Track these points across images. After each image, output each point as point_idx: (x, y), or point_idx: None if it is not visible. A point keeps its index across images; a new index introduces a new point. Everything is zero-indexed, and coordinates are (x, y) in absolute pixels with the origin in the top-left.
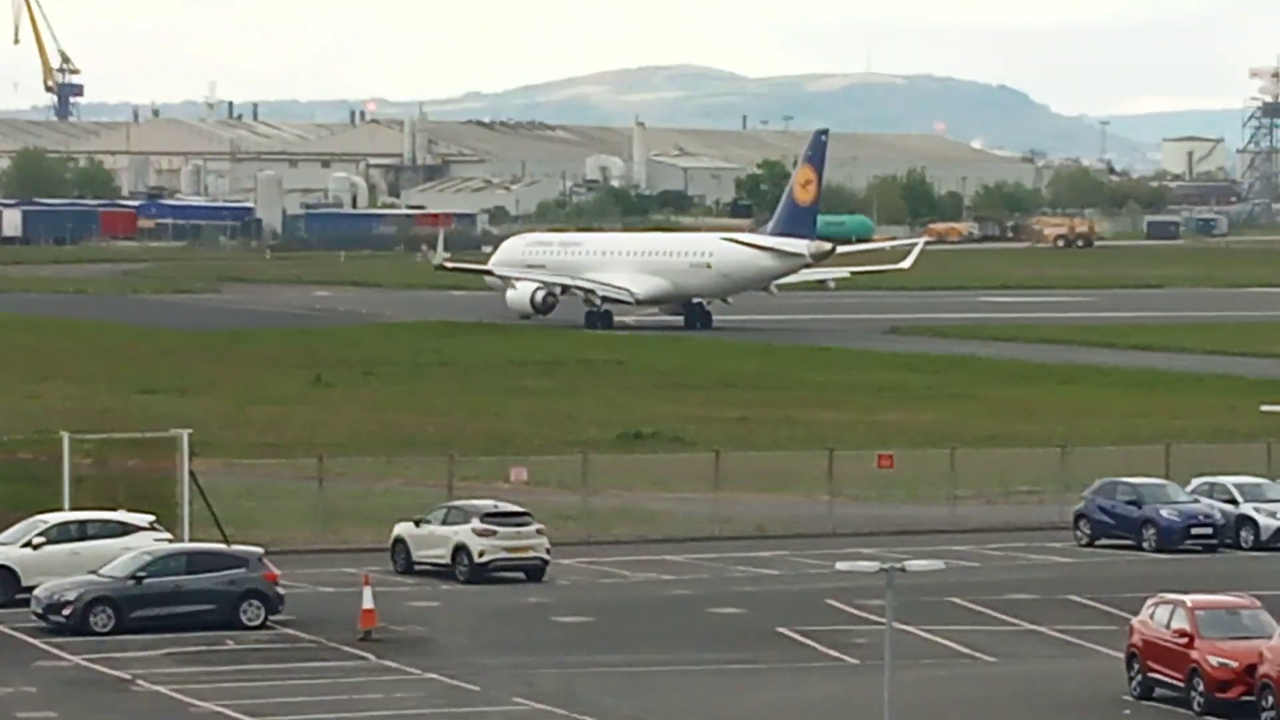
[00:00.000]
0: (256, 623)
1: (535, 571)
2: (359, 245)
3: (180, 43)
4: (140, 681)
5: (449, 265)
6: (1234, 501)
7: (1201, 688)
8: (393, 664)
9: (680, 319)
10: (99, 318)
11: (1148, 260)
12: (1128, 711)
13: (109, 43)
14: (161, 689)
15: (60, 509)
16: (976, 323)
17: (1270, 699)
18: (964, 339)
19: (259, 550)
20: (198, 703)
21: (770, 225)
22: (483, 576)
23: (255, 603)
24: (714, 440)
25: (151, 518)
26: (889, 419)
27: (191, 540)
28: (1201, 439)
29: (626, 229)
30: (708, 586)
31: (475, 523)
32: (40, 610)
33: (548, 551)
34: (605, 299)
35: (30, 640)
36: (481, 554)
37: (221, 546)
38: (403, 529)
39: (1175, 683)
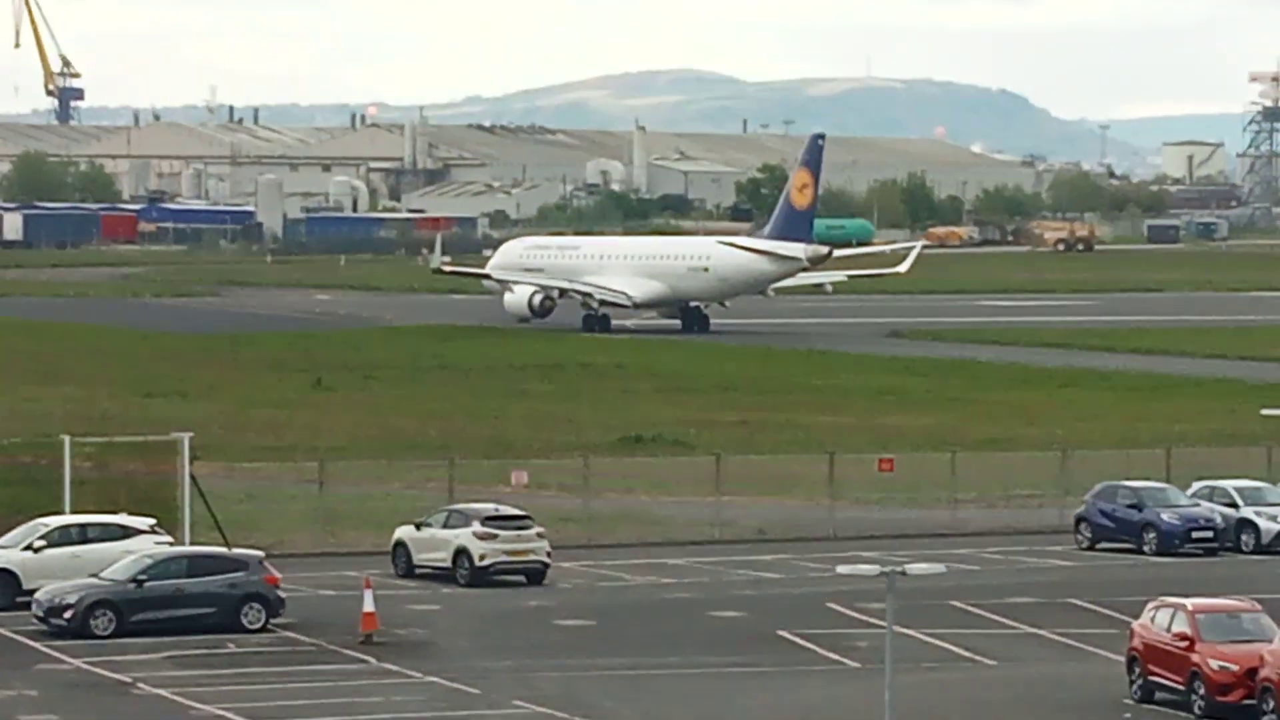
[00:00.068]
0: (257, 626)
1: (536, 575)
2: (359, 249)
3: (181, 47)
4: (141, 685)
5: (447, 269)
6: (1234, 505)
7: (1202, 691)
8: (393, 667)
9: (678, 322)
10: (100, 321)
11: (1148, 264)
12: (1128, 715)
13: (110, 46)
14: (162, 692)
15: (61, 512)
16: (977, 326)
17: (1271, 702)
18: (964, 343)
19: (260, 553)
20: (199, 706)
21: (767, 229)
22: (483, 580)
23: (256, 606)
24: (715, 443)
25: (152, 521)
26: (889, 422)
27: (192, 543)
28: (1202, 443)
29: (627, 233)
30: (708, 590)
31: (476, 526)
32: (41, 613)
33: (548, 555)
34: (602, 302)
35: (31, 643)
36: (482, 557)
37: (222, 550)
38: (403, 532)
39: (1176, 686)
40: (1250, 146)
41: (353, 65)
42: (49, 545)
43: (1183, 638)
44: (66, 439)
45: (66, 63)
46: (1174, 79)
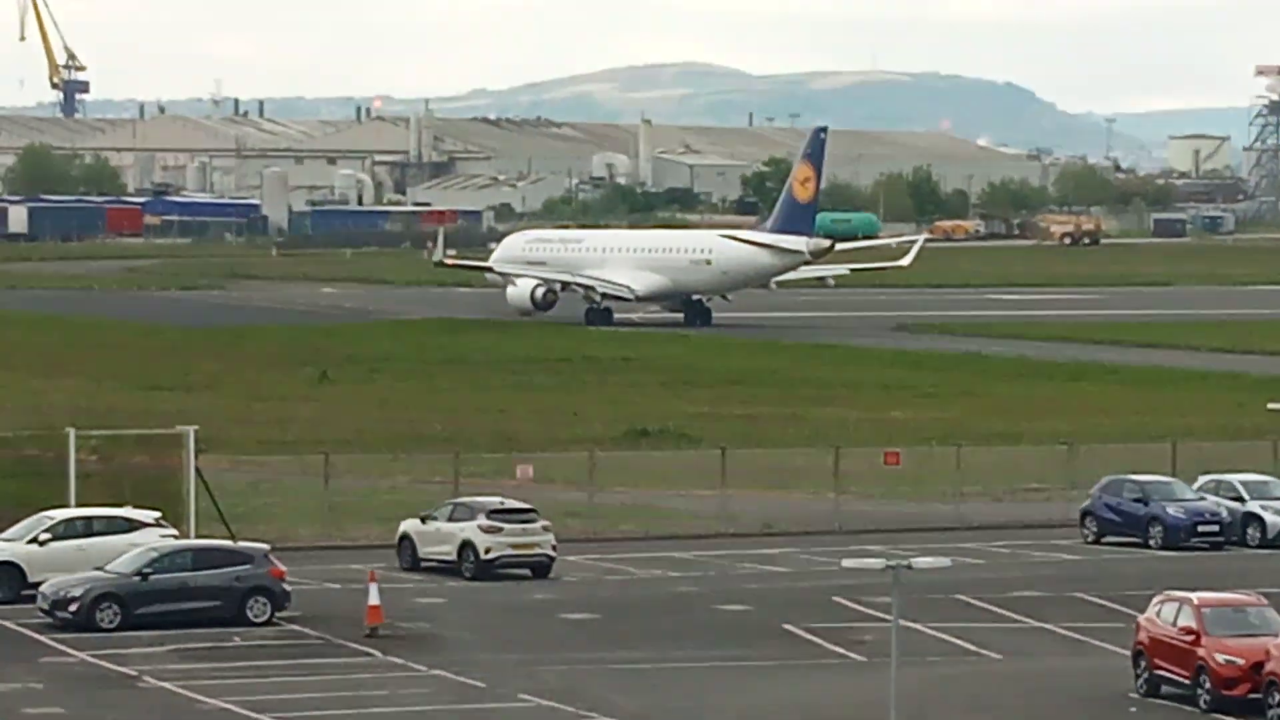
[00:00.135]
0: (263, 619)
1: (541, 568)
2: (365, 242)
3: (186, 39)
4: (146, 678)
5: (449, 262)
6: (1240, 499)
7: (1208, 685)
8: (399, 660)
9: (680, 316)
10: (105, 314)
11: (1154, 258)
12: (1134, 709)
13: (115, 39)
14: (167, 685)
15: (66, 505)
16: (983, 320)
17: (1277, 696)
18: (970, 336)
19: (265, 547)
20: (204, 699)
21: (769, 223)
22: (489, 573)
23: (261, 599)
24: (720, 437)
25: (157, 514)
26: (895, 416)
27: (197, 537)
28: (1208, 436)
29: (632, 226)
30: (714, 584)
31: (481, 519)
32: (46, 606)
33: (554, 548)
34: (605, 296)
35: (36, 636)
36: (488, 551)
37: (227, 543)
38: (409, 525)
39: (1182, 680)
40: (1256, 140)
41: (358, 58)
42: (54, 538)
43: (1189, 631)
44: (71, 432)
45: (71, 55)
46: (1180, 73)
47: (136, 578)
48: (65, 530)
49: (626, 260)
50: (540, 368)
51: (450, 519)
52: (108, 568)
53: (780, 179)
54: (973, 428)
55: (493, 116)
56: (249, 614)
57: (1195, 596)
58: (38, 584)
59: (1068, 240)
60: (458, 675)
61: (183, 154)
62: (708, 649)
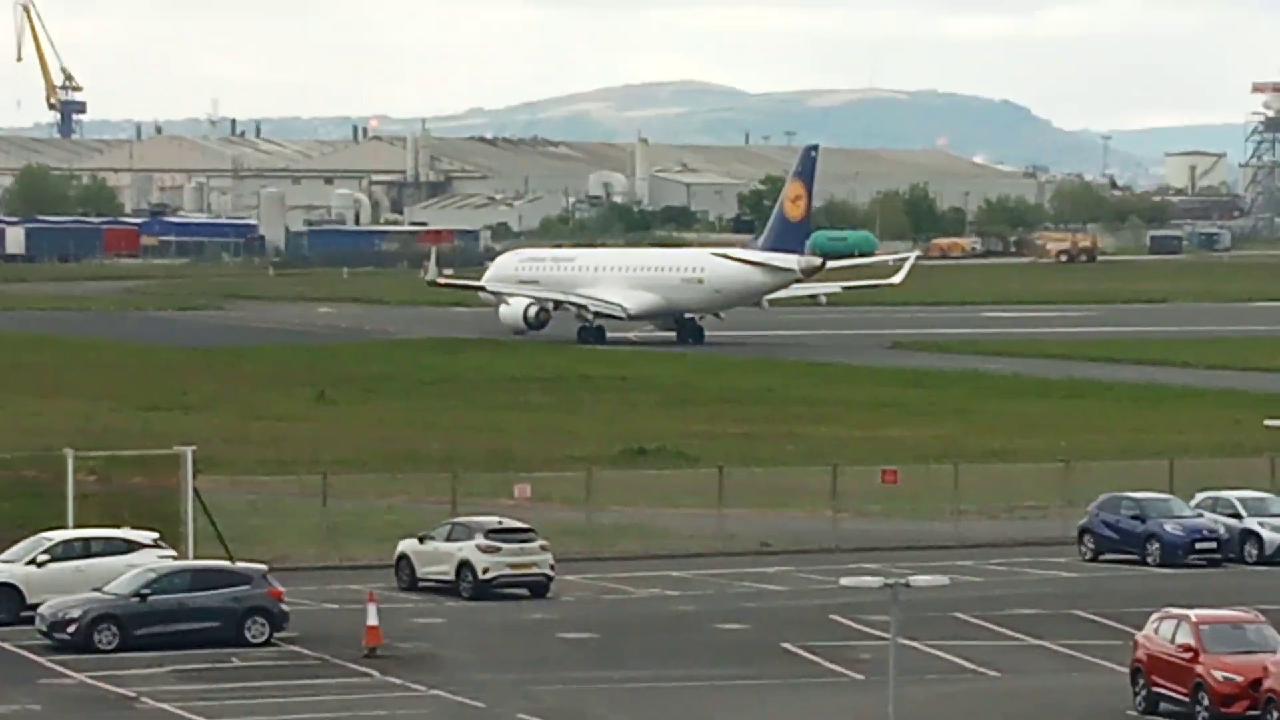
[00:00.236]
0: (261, 640)
1: (539, 588)
2: (362, 262)
3: (183, 60)
4: (144, 699)
5: (442, 282)
6: (1238, 516)
7: (1206, 702)
8: (397, 681)
9: (673, 334)
10: (102, 335)
11: (1150, 275)
12: None
13: (112, 60)
14: (166, 706)
15: (64, 526)
16: (979, 338)
17: (1275, 713)
18: (967, 354)
19: (263, 567)
20: None
21: (761, 240)
22: (487, 593)
23: (260, 620)
24: (717, 456)
25: (155, 535)
26: (892, 434)
27: (196, 557)
28: (1205, 454)
29: (629, 245)
30: (712, 602)
31: (479, 539)
32: (45, 628)
33: (552, 568)
34: (597, 314)
35: (35, 658)
36: (485, 570)
37: (226, 564)
38: (407, 545)
39: (1180, 697)
40: (1252, 157)
41: (354, 78)
42: (52, 560)
43: (1187, 649)
44: (69, 453)
45: (68, 76)
46: (1176, 89)
47: (135, 599)
48: (63, 551)
49: (619, 279)
50: (537, 387)
51: (448, 539)
52: (106, 589)
53: (777, 197)
54: (970, 445)
55: (489, 136)
56: (247, 635)
57: (1193, 614)
58: (36, 605)
59: (1064, 257)
60: (456, 695)
61: (180, 174)
62: (706, 668)
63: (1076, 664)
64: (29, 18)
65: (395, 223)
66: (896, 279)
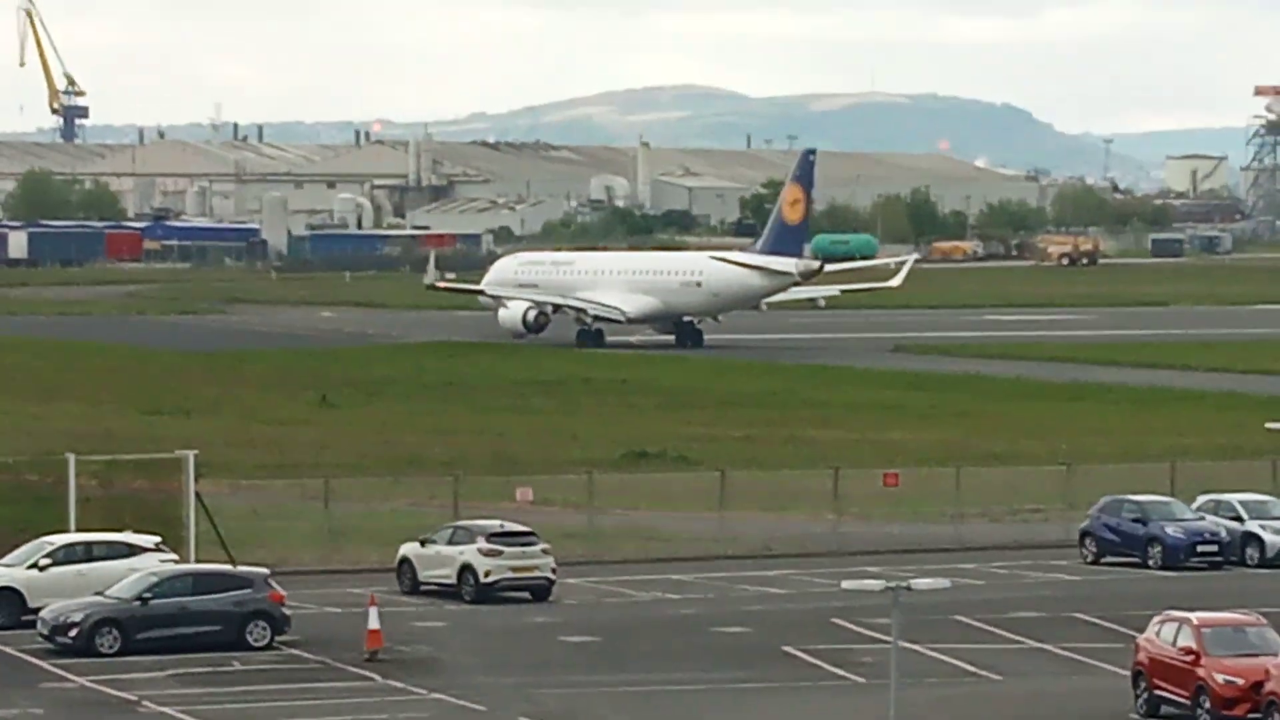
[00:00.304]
0: (263, 643)
1: (541, 591)
2: (364, 266)
3: (185, 64)
4: (146, 703)
5: (441, 285)
6: (1239, 519)
7: (1208, 705)
8: (399, 684)
9: (672, 337)
10: (104, 339)
11: (1152, 278)
12: None
13: (114, 64)
14: (168, 710)
15: (66, 530)
16: (981, 341)
17: (1276, 716)
18: (969, 357)
19: (265, 571)
20: None
21: (759, 244)
22: (489, 596)
23: (261, 623)
24: (719, 459)
25: (157, 539)
26: (894, 437)
27: (197, 561)
28: (1207, 456)
29: (632, 249)
30: (713, 606)
31: (481, 542)
32: (46, 632)
33: (553, 571)
34: (596, 318)
35: (36, 662)
36: (487, 574)
37: (227, 567)
38: (408, 549)
39: (1181, 700)
40: (1254, 160)
41: (356, 82)
42: (54, 563)
43: (1188, 652)
44: (71, 457)
45: (71, 81)
46: (1177, 93)
47: (136, 603)
48: (65, 555)
49: (617, 282)
50: (538, 390)
51: (450, 542)
52: (108, 593)
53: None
54: (971, 448)
55: (491, 140)
56: (249, 638)
57: (1195, 616)
58: (38, 609)
59: (1066, 261)
60: (458, 699)
61: (182, 179)
62: (707, 671)
63: (1078, 667)
64: (32, 22)
65: (397, 227)
66: (895, 282)
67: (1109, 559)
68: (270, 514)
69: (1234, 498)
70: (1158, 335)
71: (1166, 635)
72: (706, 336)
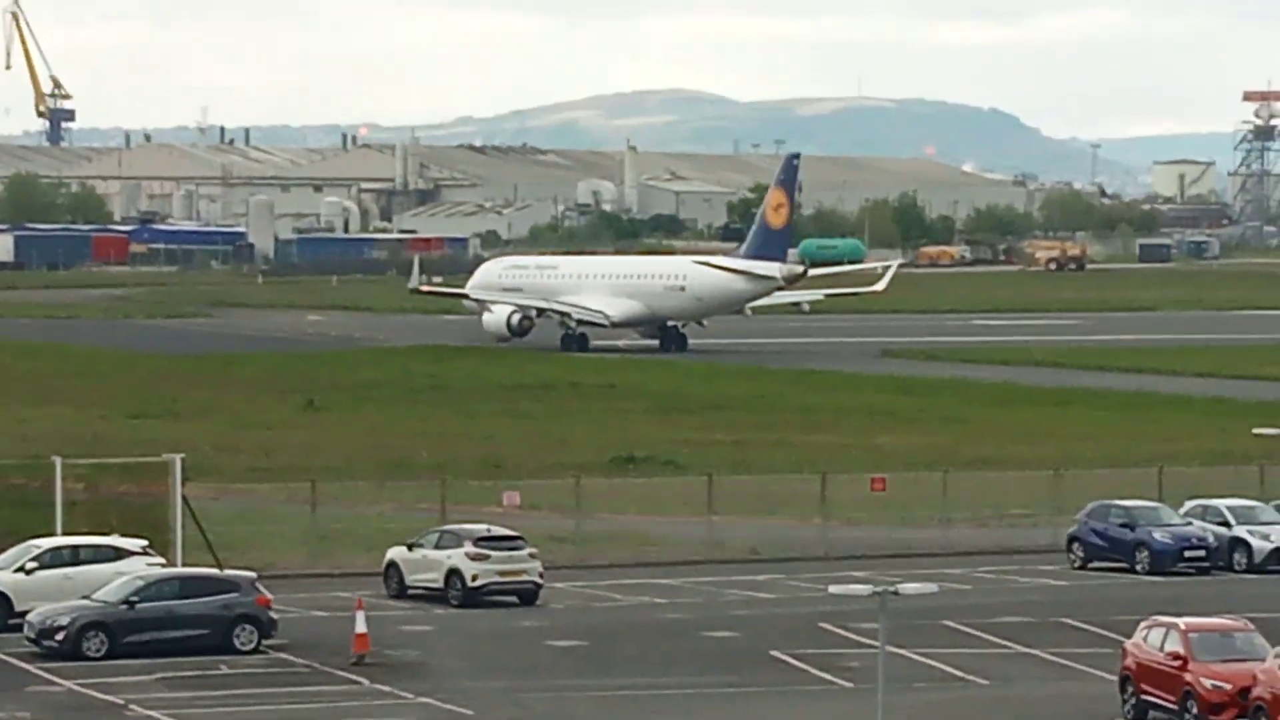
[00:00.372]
0: (250, 647)
1: (528, 595)
2: (351, 270)
3: (172, 68)
4: (133, 707)
5: (425, 289)
6: (1227, 524)
7: (1195, 710)
8: (386, 688)
9: (656, 342)
10: (91, 342)
11: (1140, 283)
12: None
13: (101, 68)
14: (155, 714)
15: (53, 534)
16: (969, 346)
17: None
18: (956, 362)
19: (252, 575)
20: None
21: (743, 248)
22: (476, 600)
23: (248, 627)
24: (707, 464)
25: (144, 542)
26: (881, 442)
27: (184, 565)
28: (1194, 462)
29: (619, 253)
30: (701, 610)
31: (468, 547)
32: (33, 635)
33: (541, 575)
34: (580, 322)
35: (23, 665)
36: (475, 578)
37: (214, 571)
38: (396, 553)
39: (1169, 705)
40: (1241, 165)
41: (344, 86)
42: (41, 567)
43: (1176, 657)
44: (58, 460)
45: (57, 84)
46: (1165, 98)
47: (123, 606)
48: (52, 559)
49: (601, 286)
50: (526, 394)
51: (437, 546)
52: (94, 596)
53: None
54: (959, 453)
55: (478, 144)
56: (236, 642)
57: (1182, 622)
58: (24, 613)
59: (1053, 266)
60: (445, 703)
61: (169, 182)
62: (695, 675)
63: (1065, 672)
64: (18, 25)
65: (384, 231)
66: (879, 286)
67: (1096, 564)
68: (257, 518)
69: (1222, 503)
70: (1145, 340)
71: (1154, 640)
72: (692, 341)
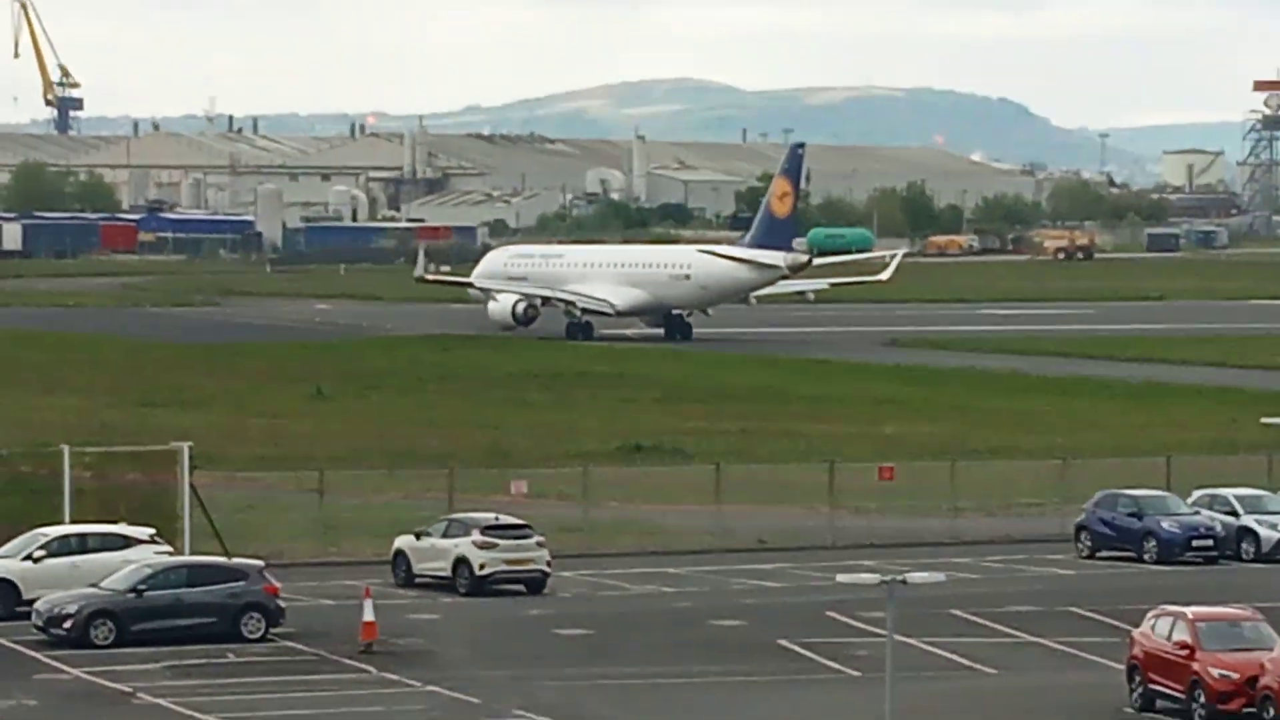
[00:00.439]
0: (257, 636)
1: (536, 584)
2: (359, 259)
3: (180, 56)
4: (141, 694)
5: (430, 278)
6: (1234, 513)
7: (1203, 699)
8: (393, 677)
9: (660, 331)
10: (99, 331)
11: (1148, 272)
12: None
13: (109, 56)
14: (162, 702)
15: (61, 522)
16: (977, 335)
17: (1271, 710)
18: (964, 351)
19: (260, 563)
20: (198, 715)
21: (748, 237)
22: (483, 589)
23: (256, 615)
24: (714, 452)
25: (152, 531)
26: (889, 431)
27: (192, 553)
28: (1202, 451)
29: (626, 242)
30: (708, 599)
31: (476, 535)
32: (41, 623)
33: (548, 564)
34: (585, 311)
35: (31, 653)
36: (482, 567)
37: (222, 559)
38: (403, 542)
39: (1176, 695)
40: (1250, 155)
41: (352, 75)
42: (49, 555)
43: (1183, 646)
44: (66, 449)
45: (65, 73)
46: (1174, 88)
47: (131, 594)
48: (60, 547)
49: (607, 275)
50: (534, 383)
51: (445, 535)
52: (102, 584)
53: None
54: (967, 442)
55: (487, 132)
56: (243, 630)
57: (1190, 611)
58: (32, 601)
59: (1061, 255)
60: (452, 691)
61: (177, 170)
62: (702, 664)
63: (1073, 661)
64: (26, 14)
65: (392, 219)
66: (884, 276)
67: (1104, 553)
68: (265, 506)
69: (1229, 492)
70: (1154, 330)
71: (1162, 630)
72: (699, 330)
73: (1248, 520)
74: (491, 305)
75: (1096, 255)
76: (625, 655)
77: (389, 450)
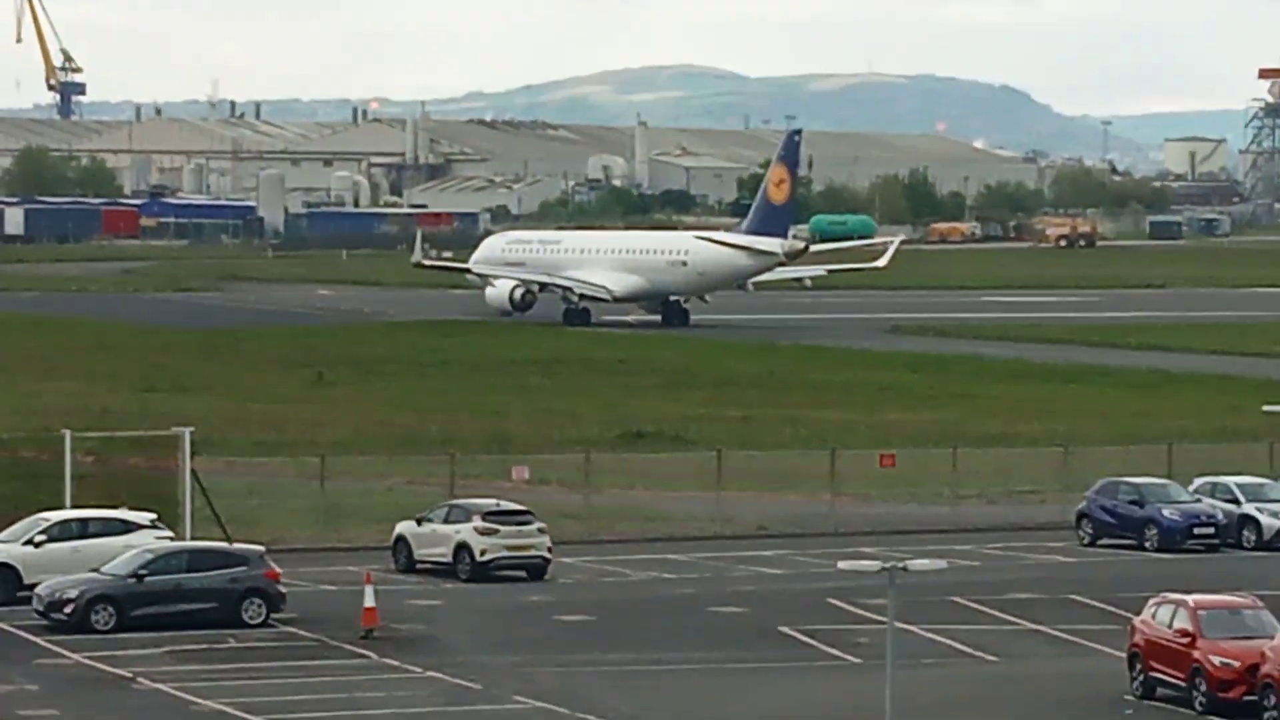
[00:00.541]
0: (258, 621)
1: (537, 570)
2: (361, 244)
3: (182, 41)
4: (141, 680)
5: (427, 263)
6: (1236, 501)
7: (1204, 687)
8: (394, 662)
9: (658, 317)
10: (101, 316)
11: (1150, 260)
12: (1130, 711)
13: (111, 41)
14: (163, 687)
15: (62, 507)
16: (978, 322)
17: (1272, 699)
18: (966, 338)
19: (260, 548)
20: (199, 701)
21: (745, 224)
22: (484, 575)
23: (257, 601)
24: (716, 439)
25: (153, 516)
26: (891, 418)
27: (193, 538)
28: (1204, 439)
29: (628, 228)
30: (709, 585)
31: (477, 521)
32: (41, 608)
33: (549, 550)
34: (583, 296)
35: (31, 638)
36: (483, 552)
37: (223, 545)
38: (404, 527)
39: (1177, 682)
40: (1252, 143)
41: (354, 60)
42: (49, 540)
43: (1184, 634)
44: (67, 434)
45: (68, 57)
46: (1177, 75)
47: (132, 579)
48: (61, 532)
49: (604, 261)
50: (535, 369)
51: (446, 521)
52: (103, 569)
53: None
54: (968, 430)
55: (489, 118)
56: (244, 616)
57: (1191, 599)
58: (33, 585)
59: (1064, 243)
60: (453, 677)
61: (179, 156)
62: (703, 651)
63: (1074, 649)
64: None
65: (394, 205)
66: (881, 262)
67: (1105, 541)
68: (266, 492)
69: (1231, 480)
70: (1155, 318)
71: (1163, 617)
72: (696, 317)
73: (1249, 508)
74: (489, 291)
75: (1098, 243)
76: (626, 641)
77: (390, 436)
